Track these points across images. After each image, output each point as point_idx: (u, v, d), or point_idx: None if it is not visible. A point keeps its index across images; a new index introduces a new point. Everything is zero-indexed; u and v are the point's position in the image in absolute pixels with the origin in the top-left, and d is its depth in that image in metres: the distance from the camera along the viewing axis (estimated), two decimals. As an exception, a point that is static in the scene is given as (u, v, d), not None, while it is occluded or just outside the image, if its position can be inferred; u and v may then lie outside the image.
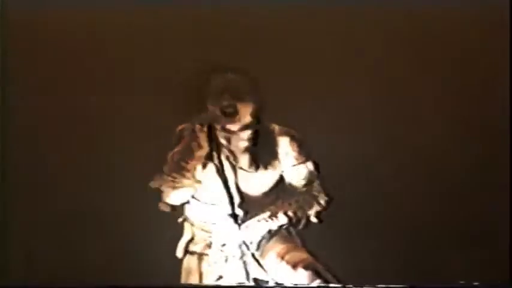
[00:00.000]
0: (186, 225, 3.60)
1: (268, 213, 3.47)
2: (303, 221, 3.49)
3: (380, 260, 3.88)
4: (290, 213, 3.47)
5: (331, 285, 3.31)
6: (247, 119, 3.34)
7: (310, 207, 3.51)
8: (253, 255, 3.45)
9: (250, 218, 3.48)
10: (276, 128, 3.52)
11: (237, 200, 3.46)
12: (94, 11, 3.90)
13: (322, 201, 3.53)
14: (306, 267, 3.32)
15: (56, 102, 3.96)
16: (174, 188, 3.41)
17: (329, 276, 3.31)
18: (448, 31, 3.98)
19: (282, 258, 3.42)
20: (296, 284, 3.34)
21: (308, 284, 3.30)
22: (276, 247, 3.48)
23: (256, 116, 3.37)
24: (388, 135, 3.96)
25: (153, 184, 3.43)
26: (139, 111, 3.93)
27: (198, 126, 3.38)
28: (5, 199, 3.85)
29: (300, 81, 3.96)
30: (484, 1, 3.94)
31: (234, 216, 3.45)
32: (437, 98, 4.00)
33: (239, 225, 3.45)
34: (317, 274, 3.31)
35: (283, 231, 3.54)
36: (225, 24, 3.96)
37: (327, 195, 3.54)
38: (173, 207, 3.47)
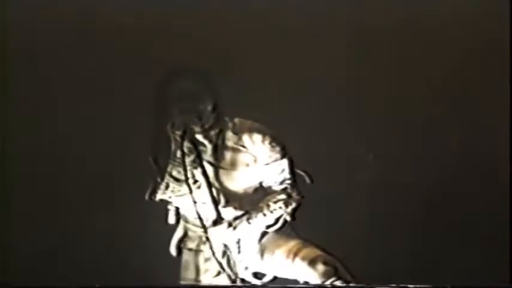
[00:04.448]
0: (180, 222, 3.57)
1: (246, 216, 3.47)
2: (281, 221, 3.47)
3: (378, 261, 3.86)
4: (267, 213, 3.46)
5: (345, 284, 3.28)
6: (208, 119, 3.41)
7: (287, 205, 3.48)
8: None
9: (237, 219, 3.48)
10: (247, 123, 3.49)
11: (222, 200, 3.46)
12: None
13: (296, 198, 3.49)
14: (325, 263, 3.29)
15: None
16: (177, 196, 3.48)
17: (346, 273, 3.29)
18: (447, 32, 4.00)
19: (295, 255, 3.39)
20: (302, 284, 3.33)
21: (323, 282, 3.28)
22: (285, 244, 3.45)
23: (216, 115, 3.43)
24: (385, 135, 3.95)
25: (158, 197, 3.50)
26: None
27: (177, 133, 3.42)
28: (5, 199, 3.77)
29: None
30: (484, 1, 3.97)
31: (218, 217, 3.47)
32: (435, 98, 4.00)
33: (223, 225, 3.47)
34: (335, 271, 3.29)
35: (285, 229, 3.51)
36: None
37: (299, 192, 3.50)
38: (178, 217, 3.54)
